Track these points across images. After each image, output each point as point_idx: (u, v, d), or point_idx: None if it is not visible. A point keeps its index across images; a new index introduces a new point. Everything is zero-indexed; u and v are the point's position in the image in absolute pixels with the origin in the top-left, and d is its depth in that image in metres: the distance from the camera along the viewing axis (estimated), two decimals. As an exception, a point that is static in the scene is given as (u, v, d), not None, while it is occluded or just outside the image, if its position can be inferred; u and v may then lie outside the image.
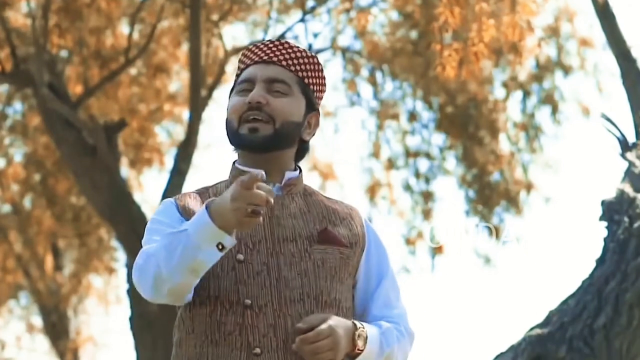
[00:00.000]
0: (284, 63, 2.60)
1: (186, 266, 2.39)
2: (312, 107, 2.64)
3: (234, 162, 2.65)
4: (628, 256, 5.52)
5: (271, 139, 2.55)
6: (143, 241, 2.57)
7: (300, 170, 2.65)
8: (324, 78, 2.68)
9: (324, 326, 2.41)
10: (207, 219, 2.35)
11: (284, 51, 2.62)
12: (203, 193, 2.65)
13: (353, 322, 2.48)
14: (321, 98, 2.70)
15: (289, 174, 2.60)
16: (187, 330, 2.52)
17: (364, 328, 2.48)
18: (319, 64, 2.66)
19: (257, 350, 2.44)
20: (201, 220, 2.37)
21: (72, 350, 14.14)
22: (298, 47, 2.64)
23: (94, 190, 8.85)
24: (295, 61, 2.61)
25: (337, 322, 2.44)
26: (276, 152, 2.58)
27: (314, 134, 2.66)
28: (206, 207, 2.37)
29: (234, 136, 2.58)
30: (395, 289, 2.65)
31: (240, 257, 2.49)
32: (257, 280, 2.48)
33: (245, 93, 2.58)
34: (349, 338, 2.45)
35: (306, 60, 2.63)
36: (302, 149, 2.65)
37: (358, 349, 2.47)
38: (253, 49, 2.64)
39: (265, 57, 2.61)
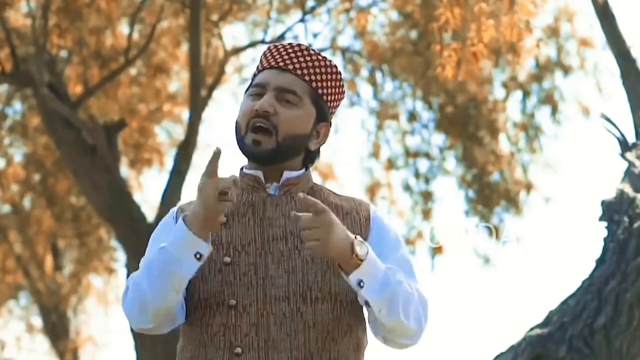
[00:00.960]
0: (298, 72, 2.57)
1: (167, 282, 2.43)
2: (323, 117, 2.62)
3: (241, 168, 2.64)
4: (628, 256, 5.52)
5: (273, 152, 2.54)
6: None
7: (307, 169, 2.63)
8: (342, 87, 2.65)
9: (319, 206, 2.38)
10: (184, 228, 2.40)
11: (301, 59, 2.58)
12: None
13: (355, 235, 2.42)
14: (336, 107, 2.68)
15: (288, 174, 2.58)
16: (187, 336, 2.54)
17: (364, 242, 2.41)
18: (337, 72, 2.62)
19: (238, 349, 2.44)
20: (178, 232, 2.42)
21: (72, 350, 14.14)
22: (317, 54, 2.60)
23: (94, 190, 8.86)
24: (311, 70, 2.58)
25: (335, 220, 2.39)
26: (280, 164, 2.57)
27: (322, 144, 2.64)
28: (183, 219, 2.42)
29: (240, 142, 2.58)
30: (405, 269, 2.55)
31: (227, 259, 2.49)
32: (244, 281, 2.48)
33: (256, 98, 2.57)
34: (345, 238, 2.39)
35: (323, 70, 2.59)
36: (309, 157, 2.63)
37: (357, 255, 2.39)
38: (273, 50, 2.61)
39: (281, 64, 2.58)
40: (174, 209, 2.65)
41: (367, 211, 2.60)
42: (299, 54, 2.59)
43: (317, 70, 2.59)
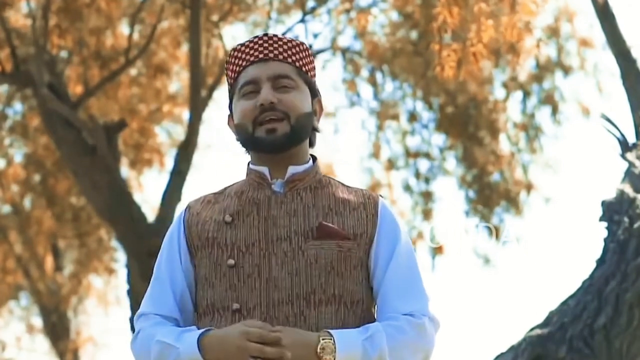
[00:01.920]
0: (281, 57, 2.59)
1: None
2: (314, 93, 2.64)
3: (249, 163, 2.63)
4: (628, 256, 5.52)
5: (290, 136, 2.54)
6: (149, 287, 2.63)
7: (314, 161, 2.62)
8: (314, 62, 2.69)
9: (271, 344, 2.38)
10: (196, 353, 2.40)
11: (276, 45, 2.60)
12: (220, 194, 2.63)
13: (318, 336, 2.40)
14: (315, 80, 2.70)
15: (293, 169, 2.57)
16: None
17: (330, 339, 2.39)
18: (308, 49, 2.66)
19: None
20: (191, 349, 2.42)
21: (72, 350, 14.15)
22: (287, 37, 2.63)
23: (94, 191, 8.85)
24: (290, 52, 2.61)
25: (289, 339, 2.38)
26: (294, 148, 2.57)
27: (319, 118, 2.66)
28: (199, 338, 2.42)
29: (249, 140, 2.56)
30: (409, 276, 2.54)
31: (231, 262, 2.49)
32: (248, 284, 2.47)
33: (252, 95, 2.57)
34: (308, 353, 2.39)
35: (299, 49, 2.62)
36: (312, 139, 2.64)
37: None
38: (244, 49, 2.61)
39: (262, 55, 2.59)
40: (183, 209, 2.64)
41: (375, 206, 2.57)
42: (271, 42, 2.61)
43: (294, 50, 2.62)
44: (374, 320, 2.52)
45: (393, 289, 2.52)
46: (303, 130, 2.57)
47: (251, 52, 2.60)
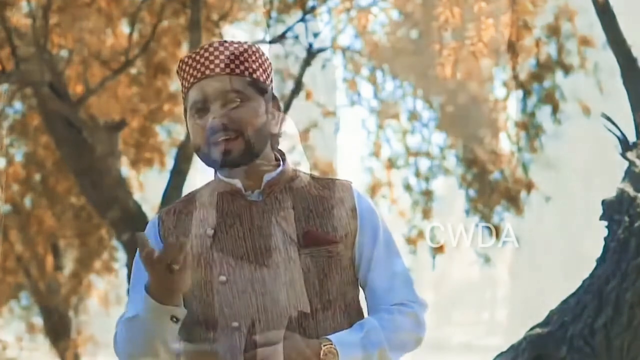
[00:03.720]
0: (228, 71, 2.48)
1: (154, 346, 2.43)
2: (268, 98, 2.53)
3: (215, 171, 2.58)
4: (628, 256, 5.51)
5: (245, 153, 2.46)
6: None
7: (283, 160, 2.55)
8: (267, 60, 2.57)
9: (268, 348, 2.37)
10: (151, 302, 2.36)
11: (222, 57, 2.48)
12: (190, 199, 2.59)
13: (319, 342, 2.40)
14: (271, 80, 2.58)
15: (267, 177, 2.51)
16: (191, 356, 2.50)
17: (331, 344, 2.40)
18: (257, 50, 2.54)
19: None
20: (147, 305, 2.38)
21: (73, 350, 14.14)
22: (234, 44, 2.52)
23: (94, 190, 8.85)
24: (237, 62, 2.49)
25: (293, 345, 2.38)
26: (255, 161, 2.50)
27: (280, 121, 2.56)
28: (146, 289, 2.37)
29: (206, 160, 2.49)
30: (393, 263, 2.54)
31: (223, 278, 2.44)
32: (243, 300, 2.43)
33: (202, 113, 2.48)
34: (313, 357, 2.39)
35: (246, 56, 2.50)
36: (275, 140, 2.56)
37: None
38: (191, 62, 2.51)
39: (208, 71, 2.48)
40: (154, 219, 2.61)
41: (351, 201, 2.53)
42: (217, 53, 2.49)
43: (242, 59, 2.50)
44: (361, 310, 2.54)
45: (380, 280, 2.52)
46: (259, 142, 2.48)
47: (197, 66, 2.50)
